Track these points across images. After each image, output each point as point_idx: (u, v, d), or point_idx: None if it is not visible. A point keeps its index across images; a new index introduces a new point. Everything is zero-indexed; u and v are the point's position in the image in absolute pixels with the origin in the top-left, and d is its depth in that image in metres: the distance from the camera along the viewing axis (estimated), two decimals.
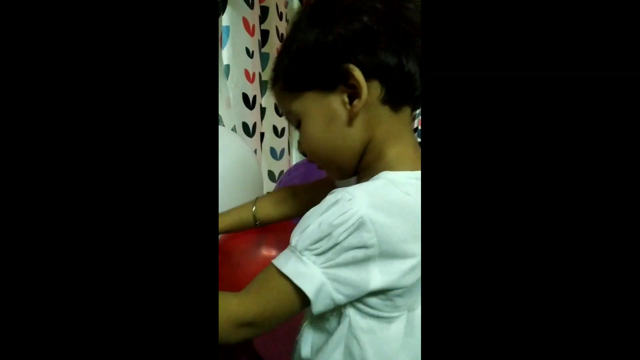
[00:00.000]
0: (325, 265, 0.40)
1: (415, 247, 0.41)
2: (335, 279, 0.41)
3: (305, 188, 0.71)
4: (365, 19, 0.43)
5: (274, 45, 1.47)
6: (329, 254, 0.40)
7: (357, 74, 0.42)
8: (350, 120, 0.46)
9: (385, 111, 0.46)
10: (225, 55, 1.13)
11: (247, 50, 1.20)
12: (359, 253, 0.39)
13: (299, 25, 0.46)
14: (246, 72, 1.19)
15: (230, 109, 1.12)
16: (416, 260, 0.42)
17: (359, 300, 0.43)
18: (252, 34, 1.23)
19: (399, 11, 0.45)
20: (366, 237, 0.39)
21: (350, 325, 0.45)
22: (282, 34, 1.53)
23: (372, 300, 0.43)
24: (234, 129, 1.14)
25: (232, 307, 0.42)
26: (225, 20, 1.12)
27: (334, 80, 0.45)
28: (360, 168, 0.50)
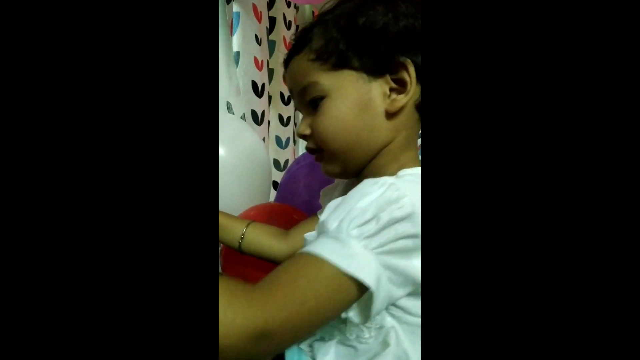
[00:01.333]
0: (378, 250, 0.33)
1: None
2: (388, 267, 0.34)
3: (298, 230, 0.63)
4: None
5: (281, 33, 1.46)
6: (382, 237, 0.34)
7: (412, 70, 0.41)
8: (387, 114, 0.43)
9: (414, 118, 0.45)
10: (235, 42, 1.12)
11: (256, 37, 1.19)
12: (410, 242, 0.34)
13: (364, 3, 0.43)
14: (255, 60, 1.18)
15: (239, 97, 1.12)
16: None
17: (397, 307, 0.37)
18: (260, 20, 1.22)
19: None
20: (417, 222, 0.34)
21: (398, 340, 0.38)
22: (289, 22, 1.51)
23: (411, 304, 0.37)
24: (243, 117, 1.14)
25: (243, 312, 0.30)
26: (235, 6, 1.11)
27: (384, 68, 0.42)
28: (367, 171, 0.46)
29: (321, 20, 0.45)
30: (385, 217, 0.34)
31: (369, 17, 0.42)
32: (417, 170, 0.41)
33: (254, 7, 1.18)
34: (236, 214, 0.85)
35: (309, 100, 0.45)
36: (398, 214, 0.34)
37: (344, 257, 0.32)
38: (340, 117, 0.43)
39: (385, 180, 0.37)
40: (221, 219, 0.63)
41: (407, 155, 0.46)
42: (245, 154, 0.92)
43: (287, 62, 0.48)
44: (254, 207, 0.86)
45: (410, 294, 0.37)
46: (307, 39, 0.45)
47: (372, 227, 0.34)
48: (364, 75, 0.42)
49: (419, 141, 0.51)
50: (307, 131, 0.46)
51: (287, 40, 1.52)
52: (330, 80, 0.43)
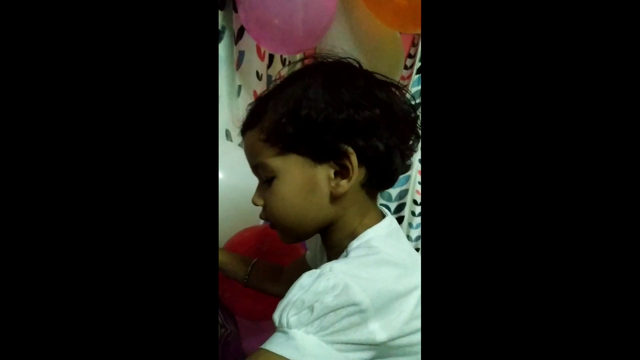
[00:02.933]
0: (322, 334, 0.37)
1: (411, 281, 0.41)
2: (336, 342, 0.37)
3: (288, 274, 0.71)
4: (377, 111, 0.45)
5: (276, 68, 1.59)
6: (323, 322, 0.37)
7: (354, 158, 0.45)
8: (331, 197, 0.47)
9: (361, 194, 0.49)
10: (238, 76, 1.24)
11: (257, 73, 1.31)
12: (356, 318, 0.37)
13: (308, 89, 0.45)
14: (254, 93, 1.30)
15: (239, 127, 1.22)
16: (416, 296, 0.40)
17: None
18: (262, 58, 1.34)
19: (397, 103, 0.47)
20: (358, 297, 0.37)
21: None
22: (285, 59, 1.64)
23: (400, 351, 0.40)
24: (240, 145, 1.24)
25: None
26: (241, 46, 1.23)
27: (327, 154, 0.46)
28: (331, 244, 0.51)
29: (275, 93, 0.48)
30: (318, 307, 0.37)
31: (310, 109, 0.44)
32: (377, 231, 0.46)
33: (257, 47, 1.30)
34: (232, 234, 0.93)
35: (262, 176, 0.49)
36: (333, 302, 0.37)
37: (290, 348, 0.36)
38: (287, 198, 0.47)
39: (323, 270, 0.40)
40: (226, 260, 0.71)
41: (363, 224, 0.49)
42: (242, 181, 1.00)
43: (243, 132, 0.52)
44: (248, 228, 0.95)
45: (376, 357, 0.39)
46: (261, 113, 0.48)
47: (307, 315, 0.37)
48: (310, 161, 0.46)
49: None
50: (260, 202, 0.50)
51: (281, 75, 1.63)
52: (278, 163, 0.47)
